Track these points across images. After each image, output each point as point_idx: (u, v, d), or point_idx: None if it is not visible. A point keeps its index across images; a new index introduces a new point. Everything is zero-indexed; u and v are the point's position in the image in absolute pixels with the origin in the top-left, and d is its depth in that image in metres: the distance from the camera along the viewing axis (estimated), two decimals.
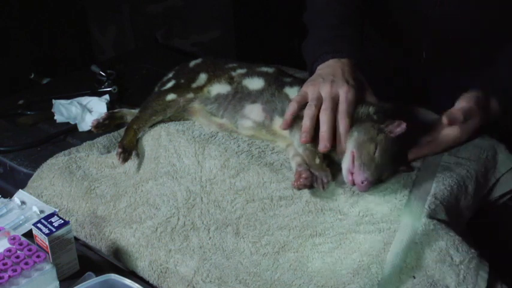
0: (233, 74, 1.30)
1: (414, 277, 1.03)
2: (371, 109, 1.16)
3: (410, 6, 1.36)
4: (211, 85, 1.29)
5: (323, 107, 1.14)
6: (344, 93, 1.15)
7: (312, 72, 1.24)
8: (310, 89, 1.17)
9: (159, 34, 2.33)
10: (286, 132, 1.18)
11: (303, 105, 1.16)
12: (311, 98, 1.16)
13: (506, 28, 1.32)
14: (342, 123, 1.13)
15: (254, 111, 1.23)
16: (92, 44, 2.44)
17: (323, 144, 1.11)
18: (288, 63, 1.51)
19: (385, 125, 1.13)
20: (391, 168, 1.12)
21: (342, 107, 1.14)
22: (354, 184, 1.08)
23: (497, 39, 1.34)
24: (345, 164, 1.10)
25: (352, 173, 1.08)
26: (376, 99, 1.19)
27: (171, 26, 2.32)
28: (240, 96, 1.25)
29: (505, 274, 1.06)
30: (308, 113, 1.13)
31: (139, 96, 1.42)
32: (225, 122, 1.25)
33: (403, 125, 1.12)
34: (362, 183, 1.07)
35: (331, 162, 1.17)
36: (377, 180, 1.09)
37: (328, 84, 1.16)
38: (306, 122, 1.13)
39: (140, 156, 1.30)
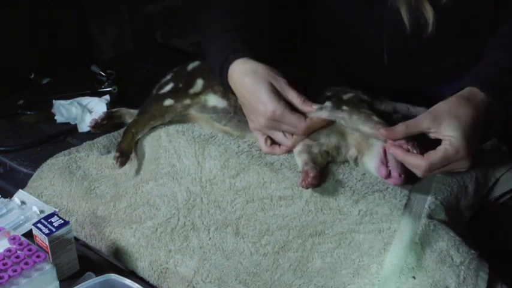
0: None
1: (414, 277, 1.03)
2: (392, 109, 1.18)
3: (362, 12, 1.32)
4: (207, 94, 1.27)
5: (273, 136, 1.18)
6: (273, 114, 1.14)
7: (221, 76, 1.21)
8: (257, 128, 1.19)
9: (158, 34, 2.33)
10: None
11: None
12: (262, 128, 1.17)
13: (464, 24, 1.26)
14: (295, 125, 1.14)
15: None
16: (91, 44, 2.44)
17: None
18: (288, 63, 1.50)
19: None
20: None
21: (285, 121, 1.14)
22: (387, 177, 1.08)
23: (457, 34, 1.28)
24: (375, 157, 1.10)
25: (387, 166, 1.08)
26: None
27: (170, 25, 2.32)
28: (242, 114, 1.22)
29: (505, 274, 1.06)
30: (277, 138, 1.18)
31: (140, 96, 1.41)
32: (228, 129, 1.25)
33: None
34: (400, 176, 1.07)
35: (332, 161, 1.17)
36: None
37: (257, 115, 1.16)
38: (284, 145, 1.18)
39: (140, 158, 1.30)
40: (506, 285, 1.04)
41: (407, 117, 1.16)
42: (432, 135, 1.07)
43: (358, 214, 1.07)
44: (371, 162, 1.11)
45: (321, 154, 1.16)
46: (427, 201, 1.08)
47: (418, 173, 1.06)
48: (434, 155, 1.05)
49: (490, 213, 1.22)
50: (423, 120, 1.06)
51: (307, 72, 1.45)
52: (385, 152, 1.09)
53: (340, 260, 1.08)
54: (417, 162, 1.05)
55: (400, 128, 1.06)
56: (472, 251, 1.02)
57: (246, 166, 1.16)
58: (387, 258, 1.04)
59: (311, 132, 1.16)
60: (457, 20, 1.26)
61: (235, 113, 1.24)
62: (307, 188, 1.09)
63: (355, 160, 1.15)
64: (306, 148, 1.16)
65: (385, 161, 1.09)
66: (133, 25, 2.37)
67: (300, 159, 1.15)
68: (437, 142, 1.07)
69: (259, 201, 1.15)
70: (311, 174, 1.09)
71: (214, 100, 1.27)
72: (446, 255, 1.01)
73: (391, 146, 1.07)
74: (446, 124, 1.05)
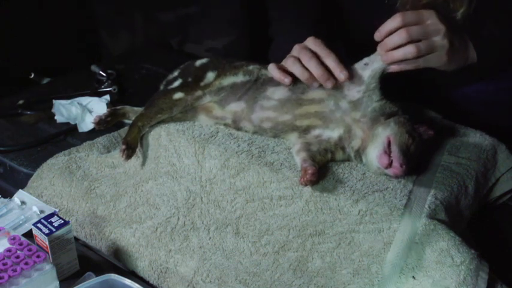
0: (248, 68, 1.29)
1: (414, 277, 1.03)
2: (399, 110, 1.18)
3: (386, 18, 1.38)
4: (222, 78, 1.28)
5: (301, 59, 1.21)
6: (311, 41, 1.22)
7: None
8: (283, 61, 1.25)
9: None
10: (316, 100, 1.21)
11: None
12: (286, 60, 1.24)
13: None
14: (328, 60, 1.19)
15: (278, 92, 1.23)
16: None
17: (328, 82, 1.18)
18: None
19: (417, 126, 1.15)
20: (412, 167, 1.12)
21: (317, 49, 1.20)
22: (387, 167, 1.09)
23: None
24: (378, 147, 1.11)
25: (389, 155, 1.09)
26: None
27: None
28: (261, 82, 1.25)
29: (505, 274, 1.06)
30: (290, 63, 1.21)
31: (140, 97, 1.42)
32: (240, 107, 1.25)
33: (431, 132, 1.17)
34: (401, 166, 1.08)
35: (333, 159, 1.17)
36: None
37: (295, 48, 1.23)
38: (296, 70, 1.20)
39: (141, 156, 1.30)
40: (506, 285, 1.04)
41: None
42: None
43: (358, 214, 1.07)
44: (374, 151, 1.11)
45: (320, 152, 1.16)
46: (427, 201, 1.08)
47: (407, 49, 1.15)
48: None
49: (490, 213, 1.22)
50: None
51: None
52: (389, 142, 1.10)
53: (340, 260, 1.08)
54: (393, 17, 1.15)
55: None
56: (472, 251, 1.02)
57: (246, 166, 1.16)
58: (387, 258, 1.04)
59: (321, 77, 1.19)
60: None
61: (255, 82, 1.26)
62: (305, 185, 1.09)
63: (357, 151, 1.15)
64: (305, 146, 1.17)
65: (388, 151, 1.09)
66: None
67: (298, 157, 1.15)
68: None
69: (259, 200, 1.15)
70: (309, 171, 1.09)
71: (233, 79, 1.27)
72: (447, 255, 1.01)
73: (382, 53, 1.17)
74: None
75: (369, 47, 1.44)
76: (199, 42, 2.31)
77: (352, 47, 1.53)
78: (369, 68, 1.19)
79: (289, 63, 1.22)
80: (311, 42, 1.22)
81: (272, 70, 1.24)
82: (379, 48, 1.18)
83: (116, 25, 2.40)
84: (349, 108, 1.17)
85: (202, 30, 2.29)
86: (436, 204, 1.07)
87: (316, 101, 1.20)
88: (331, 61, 1.19)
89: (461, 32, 1.24)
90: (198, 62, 1.35)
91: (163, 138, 1.27)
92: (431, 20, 1.17)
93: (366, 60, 1.21)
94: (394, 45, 1.16)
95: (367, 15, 1.40)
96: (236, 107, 1.25)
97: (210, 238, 1.18)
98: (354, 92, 1.18)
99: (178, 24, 2.31)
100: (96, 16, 2.41)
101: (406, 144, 1.10)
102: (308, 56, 1.20)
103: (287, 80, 1.21)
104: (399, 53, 1.16)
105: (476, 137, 1.25)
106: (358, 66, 1.21)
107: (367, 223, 1.07)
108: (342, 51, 1.56)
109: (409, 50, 1.15)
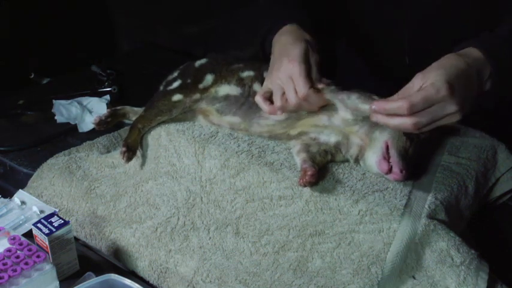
0: (242, 75, 1.29)
1: (414, 277, 1.03)
2: None
3: (390, 14, 1.36)
4: (218, 86, 1.29)
5: (289, 102, 1.17)
6: (296, 78, 1.15)
7: (262, 43, 1.31)
8: (268, 81, 1.21)
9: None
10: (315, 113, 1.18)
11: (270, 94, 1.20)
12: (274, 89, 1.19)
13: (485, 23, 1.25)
14: (299, 89, 1.15)
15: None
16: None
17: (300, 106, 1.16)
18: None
19: None
20: (413, 168, 1.12)
21: (301, 90, 1.15)
22: (388, 173, 1.08)
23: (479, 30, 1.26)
24: (377, 152, 1.10)
25: (388, 161, 1.08)
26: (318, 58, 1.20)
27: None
28: (253, 101, 1.23)
29: (505, 274, 1.06)
30: (278, 99, 1.17)
31: (140, 97, 1.42)
32: (236, 120, 1.25)
33: (428, 132, 1.14)
34: (401, 172, 1.07)
35: (333, 160, 1.17)
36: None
37: (279, 77, 1.18)
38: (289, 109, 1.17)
39: (141, 156, 1.30)
40: (506, 285, 1.04)
41: None
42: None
43: (358, 214, 1.07)
44: (373, 157, 1.11)
45: (320, 153, 1.16)
46: (427, 201, 1.08)
47: (404, 121, 1.02)
48: (415, 95, 1.02)
49: (490, 213, 1.22)
50: (414, 81, 1.05)
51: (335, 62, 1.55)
52: (387, 147, 1.10)
53: (340, 260, 1.08)
54: (399, 105, 1.01)
55: (393, 98, 1.06)
56: (472, 251, 1.02)
57: (246, 166, 1.17)
58: (387, 258, 1.04)
59: (305, 108, 1.17)
60: (477, 10, 1.27)
61: (247, 98, 1.25)
62: (305, 186, 1.09)
63: (356, 159, 1.15)
64: (305, 147, 1.17)
65: (387, 156, 1.09)
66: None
67: (298, 158, 1.15)
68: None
69: (259, 200, 1.15)
70: (309, 173, 1.09)
71: (226, 89, 1.28)
72: (447, 255, 1.01)
73: (374, 114, 1.05)
74: (433, 74, 1.04)
75: (372, 43, 1.43)
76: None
77: (356, 43, 1.53)
78: (354, 110, 1.15)
79: (277, 100, 1.18)
80: (297, 77, 1.15)
81: (261, 105, 1.19)
82: (372, 114, 1.07)
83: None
84: (342, 124, 1.17)
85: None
86: (436, 204, 1.07)
87: (314, 113, 1.19)
88: (300, 91, 1.15)
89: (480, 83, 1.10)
90: (198, 63, 1.35)
91: (163, 138, 1.27)
92: (444, 103, 1.02)
93: (348, 103, 1.14)
94: (396, 128, 1.06)
95: (372, 11, 1.40)
96: (233, 119, 1.25)
97: (210, 238, 1.18)
98: (344, 113, 1.17)
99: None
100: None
101: (404, 147, 1.10)
102: (296, 102, 1.16)
103: (279, 112, 1.19)
104: (396, 128, 1.07)
105: (476, 137, 1.25)
106: (342, 102, 1.16)
107: (367, 223, 1.07)
108: (344, 49, 1.56)
109: (409, 129, 1.04)
